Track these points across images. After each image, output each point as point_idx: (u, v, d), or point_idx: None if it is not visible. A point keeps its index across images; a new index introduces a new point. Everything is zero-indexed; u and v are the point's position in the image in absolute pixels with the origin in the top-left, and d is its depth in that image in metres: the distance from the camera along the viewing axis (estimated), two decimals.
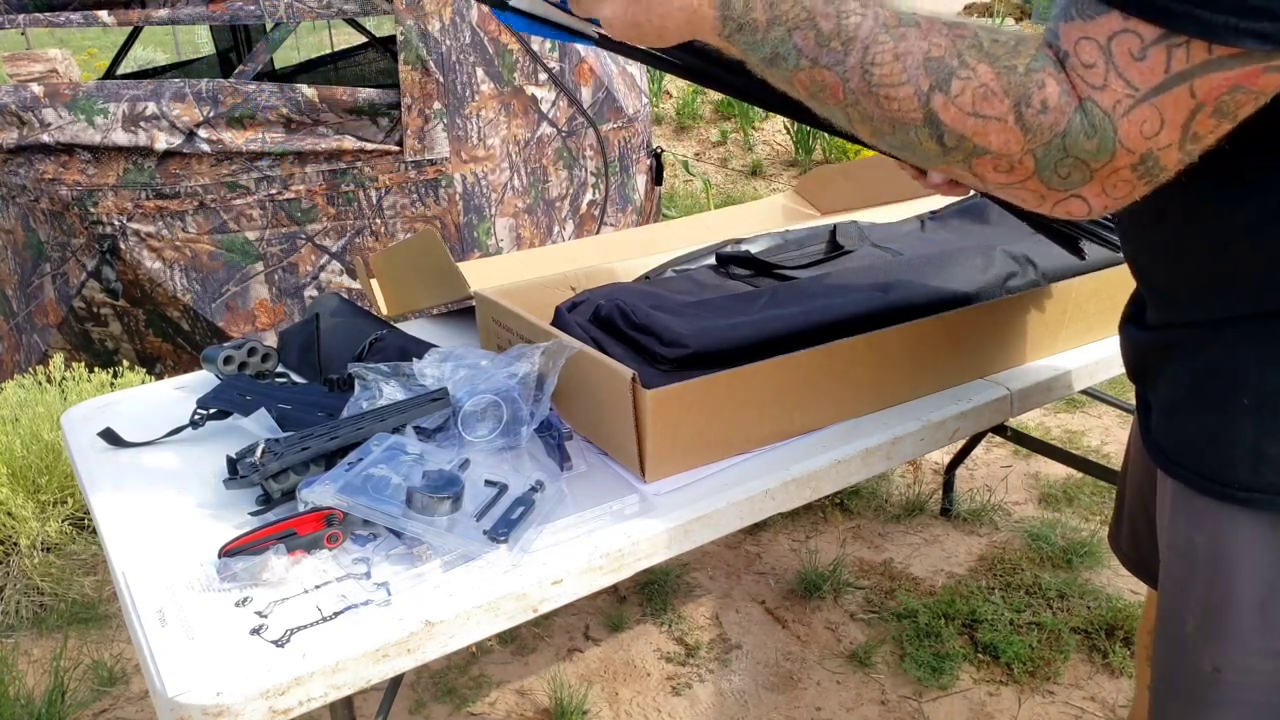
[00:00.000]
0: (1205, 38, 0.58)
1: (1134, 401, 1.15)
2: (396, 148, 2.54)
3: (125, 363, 2.61)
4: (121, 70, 3.50)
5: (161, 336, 2.69)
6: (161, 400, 1.34)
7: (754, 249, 1.49)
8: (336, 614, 0.86)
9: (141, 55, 10.00)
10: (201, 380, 1.38)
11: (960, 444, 2.32)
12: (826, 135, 5.55)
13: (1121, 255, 1.34)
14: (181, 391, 1.36)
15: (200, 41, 12.37)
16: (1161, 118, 0.60)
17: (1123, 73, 0.60)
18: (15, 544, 2.16)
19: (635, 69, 3.26)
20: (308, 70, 3.95)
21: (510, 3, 0.88)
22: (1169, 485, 0.84)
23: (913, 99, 0.66)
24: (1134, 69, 0.59)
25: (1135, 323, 0.90)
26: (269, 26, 2.82)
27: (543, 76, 2.76)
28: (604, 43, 0.90)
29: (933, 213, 1.67)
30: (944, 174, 0.73)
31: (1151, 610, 1.19)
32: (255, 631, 0.85)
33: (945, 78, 0.65)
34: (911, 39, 0.66)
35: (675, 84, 6.81)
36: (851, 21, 0.67)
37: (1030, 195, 0.67)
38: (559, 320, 1.24)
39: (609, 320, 1.20)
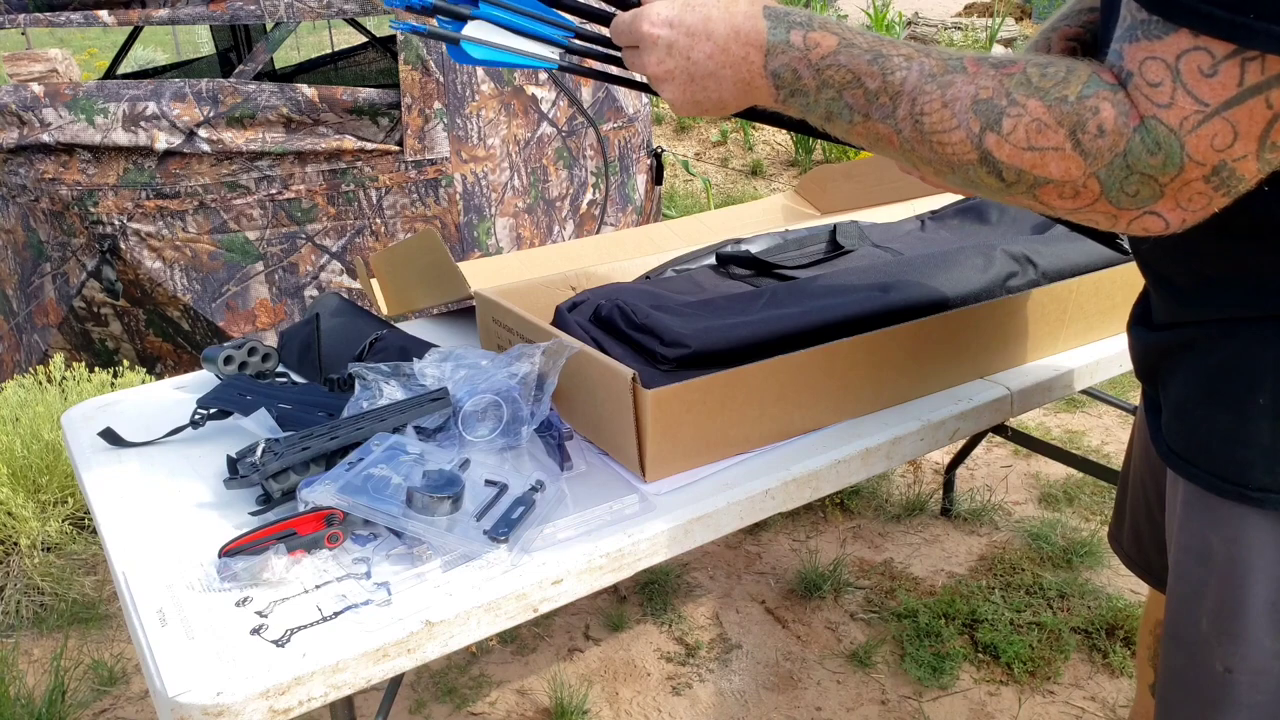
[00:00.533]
0: (1278, 51, 0.58)
1: (1134, 402, 1.16)
2: (397, 148, 2.54)
3: (125, 363, 2.61)
4: (121, 70, 3.50)
5: (161, 336, 2.69)
6: (161, 400, 1.34)
7: (754, 249, 1.49)
8: (336, 614, 0.86)
9: (141, 55, 10.00)
10: (201, 380, 1.38)
11: (960, 444, 2.32)
12: None
13: (1122, 255, 1.35)
14: (181, 391, 1.36)
15: (200, 41, 12.37)
16: (1235, 130, 0.61)
17: (1191, 89, 0.61)
18: (15, 544, 2.16)
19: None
20: (308, 70, 3.95)
21: (463, 34, 0.87)
22: (1181, 486, 0.83)
23: (965, 141, 0.69)
24: (1204, 85, 0.60)
25: (1144, 323, 0.89)
26: (269, 26, 2.82)
27: (543, 76, 2.76)
28: (567, 68, 0.90)
29: (933, 213, 1.67)
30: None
31: (1153, 610, 1.19)
32: (255, 631, 0.85)
33: (996, 118, 0.67)
34: (959, 85, 0.68)
35: None
36: (897, 76, 0.70)
37: (1103, 217, 0.68)
38: (559, 320, 1.24)
39: (609, 320, 1.20)
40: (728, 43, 0.76)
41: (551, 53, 0.89)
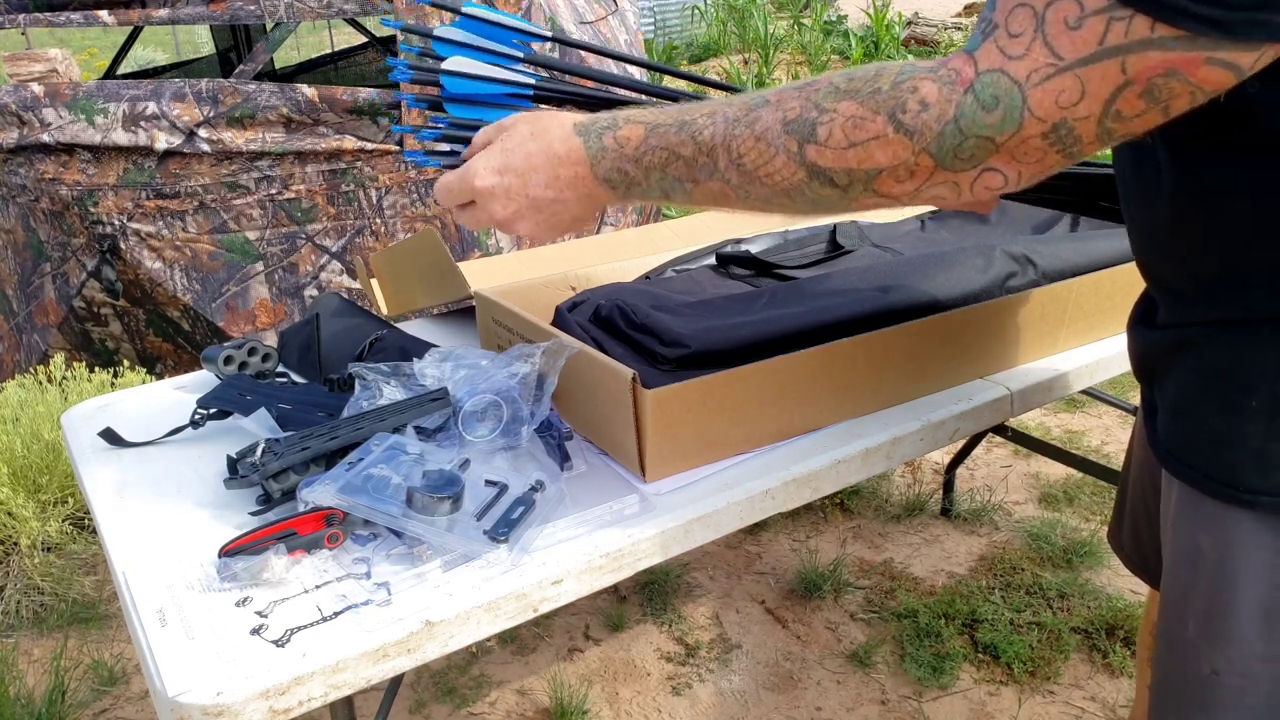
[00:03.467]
0: (1151, 14, 0.56)
1: (1134, 402, 1.16)
2: (397, 147, 2.54)
3: (125, 363, 2.61)
4: (121, 70, 3.50)
5: (161, 336, 2.69)
6: (161, 400, 1.34)
7: (754, 249, 1.49)
8: (336, 614, 0.86)
9: (141, 55, 10.01)
10: (201, 380, 1.38)
11: (960, 444, 2.32)
12: None
13: (1122, 256, 1.35)
14: (181, 391, 1.36)
15: (200, 41, 12.37)
16: (1083, 88, 0.59)
17: (1050, 41, 0.59)
18: (15, 544, 2.16)
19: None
20: (308, 70, 3.95)
21: (443, 68, 0.89)
22: (1175, 487, 0.83)
23: (789, 164, 0.69)
24: (1064, 38, 0.58)
25: (1145, 323, 0.89)
26: (269, 26, 2.82)
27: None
28: (539, 97, 0.92)
29: (933, 213, 1.67)
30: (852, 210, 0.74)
31: (1153, 610, 1.19)
32: (255, 631, 0.85)
33: (810, 130, 0.67)
34: (765, 117, 0.70)
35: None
36: (705, 135, 0.73)
37: (945, 189, 0.67)
38: (559, 320, 1.24)
39: (609, 320, 1.20)
40: (556, 168, 0.81)
41: (527, 79, 0.91)
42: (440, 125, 0.92)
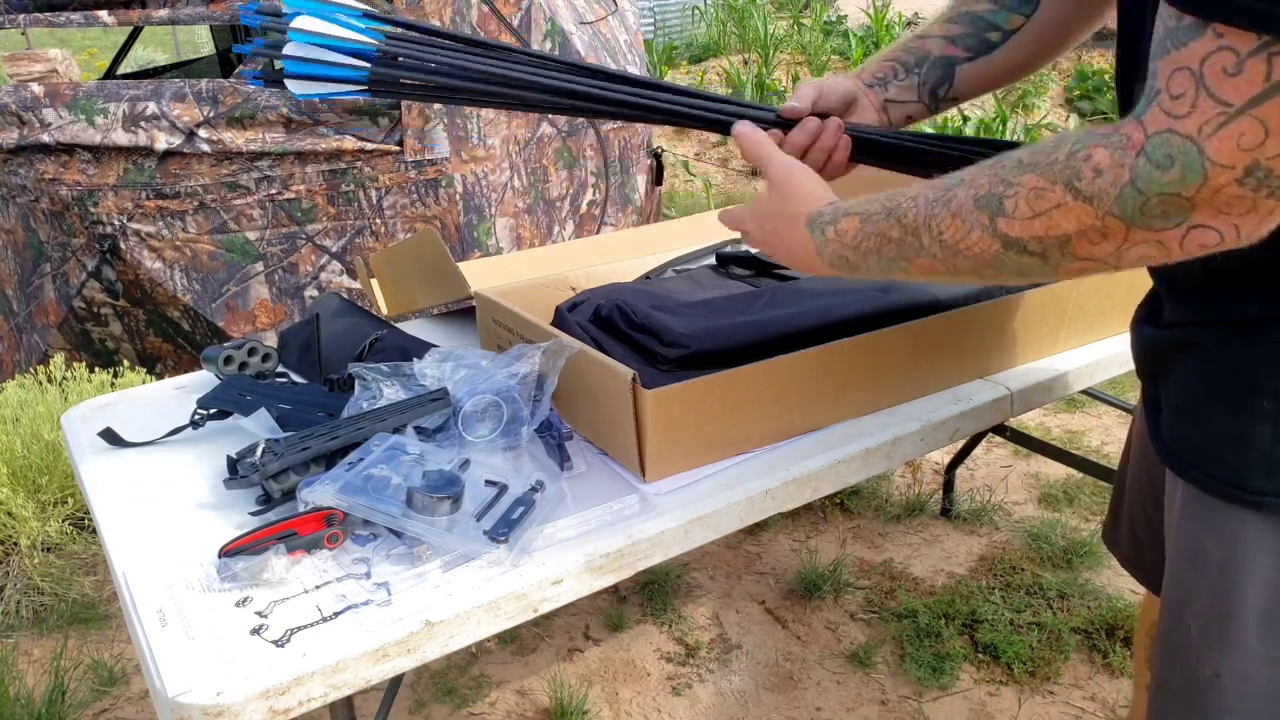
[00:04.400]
0: None
1: (1134, 402, 1.16)
2: (396, 148, 2.54)
3: (125, 363, 2.61)
4: (121, 70, 3.50)
5: (161, 336, 2.69)
6: (161, 400, 1.34)
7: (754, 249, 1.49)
8: (336, 614, 0.86)
9: (141, 55, 10.01)
10: (201, 380, 1.38)
11: (960, 444, 2.32)
12: None
13: None
14: (181, 391, 1.36)
15: (200, 41, 12.37)
16: (1265, 127, 0.58)
17: (1214, 92, 0.59)
18: (15, 544, 2.16)
19: (636, 69, 3.26)
20: None
21: (292, 25, 0.93)
22: (1180, 487, 0.83)
23: (985, 237, 0.74)
24: (1227, 85, 0.59)
25: (1150, 322, 0.89)
26: None
27: None
28: (375, 88, 0.94)
29: None
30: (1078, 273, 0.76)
31: (1149, 611, 1.19)
32: (255, 631, 0.85)
33: (998, 204, 0.72)
34: (959, 195, 0.75)
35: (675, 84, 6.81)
36: (909, 217, 0.79)
37: (1149, 248, 0.68)
38: (559, 320, 1.24)
39: (609, 320, 1.20)
40: (791, 250, 0.94)
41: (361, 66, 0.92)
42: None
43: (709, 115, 1.04)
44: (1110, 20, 0.97)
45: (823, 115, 1.07)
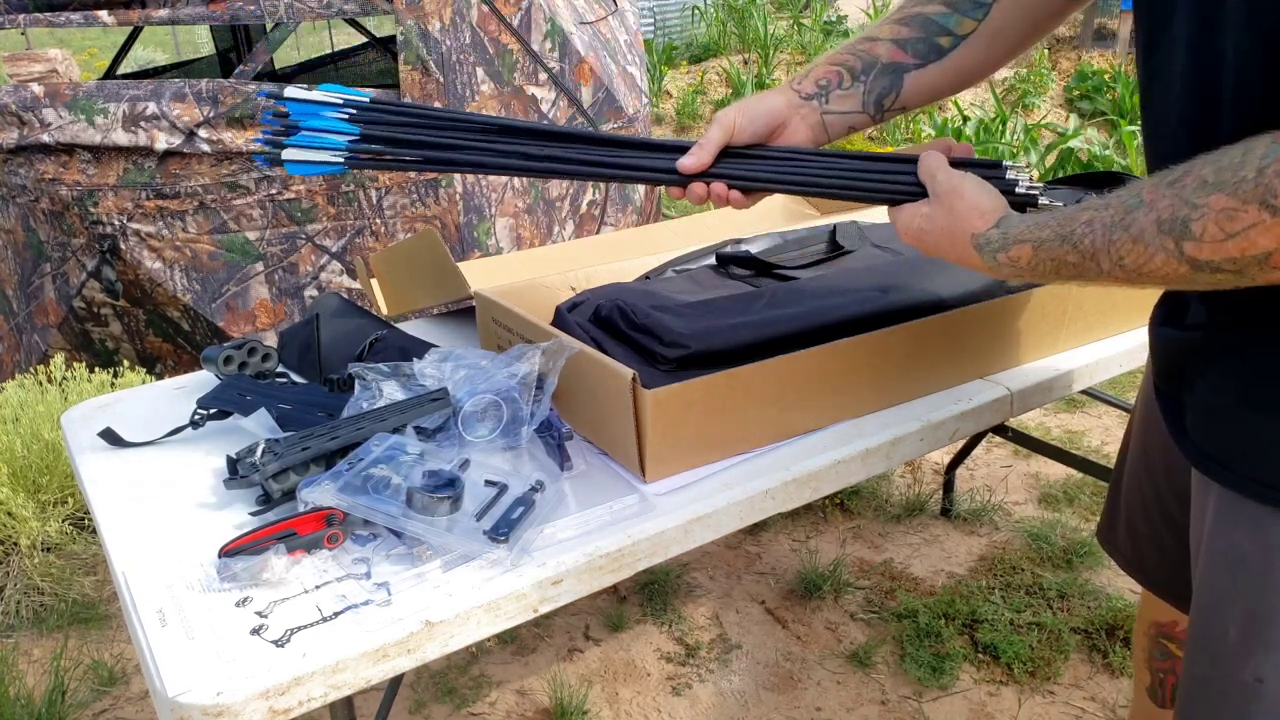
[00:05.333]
0: None
1: (1133, 402, 1.15)
2: None
3: (125, 363, 2.61)
4: (121, 70, 3.50)
5: (161, 336, 2.69)
6: (161, 400, 1.34)
7: (754, 249, 1.49)
8: (336, 614, 0.86)
9: (141, 55, 10.01)
10: (201, 380, 1.38)
11: (960, 444, 2.32)
12: None
13: None
14: (181, 391, 1.36)
15: (200, 41, 12.37)
16: None
17: None
18: (15, 544, 2.16)
19: (635, 69, 3.26)
20: (308, 70, 3.95)
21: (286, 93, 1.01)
22: (1213, 490, 0.82)
23: (1170, 261, 0.71)
24: None
25: (1171, 323, 0.88)
26: (269, 26, 2.82)
27: (543, 76, 2.76)
28: (352, 163, 1.03)
29: None
30: None
31: (1148, 610, 1.18)
32: (255, 631, 0.85)
33: (1184, 228, 0.69)
34: (1140, 219, 0.73)
35: (675, 84, 6.82)
36: (1086, 243, 0.77)
37: None
38: (559, 320, 1.24)
39: (609, 320, 1.20)
40: (959, 259, 0.93)
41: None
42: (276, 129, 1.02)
43: (635, 168, 1.05)
44: (1063, 27, 0.97)
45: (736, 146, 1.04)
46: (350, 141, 1.01)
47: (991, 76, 1.22)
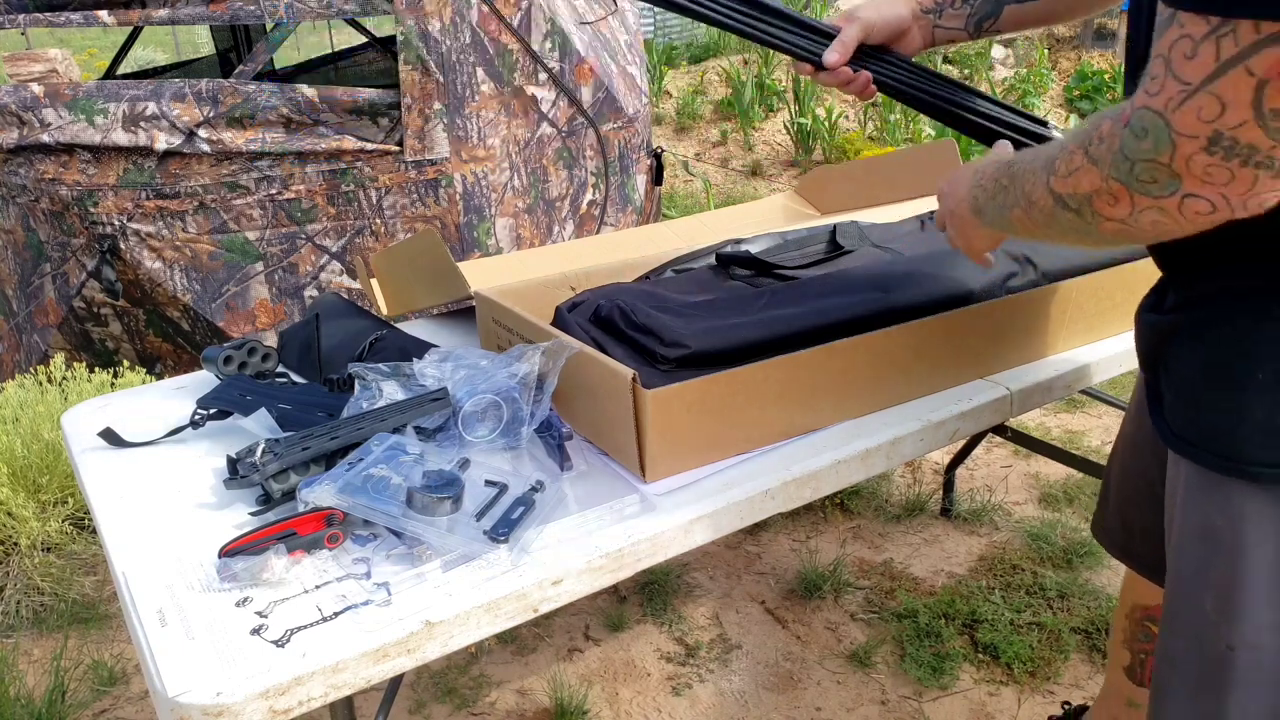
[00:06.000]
0: (1250, 17, 0.61)
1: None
2: (396, 148, 2.54)
3: (125, 363, 2.61)
4: (121, 70, 3.50)
5: (161, 336, 2.69)
6: (161, 400, 1.34)
7: (754, 249, 1.49)
8: (336, 614, 0.86)
9: (141, 55, 10.01)
10: (201, 380, 1.38)
11: (960, 444, 2.32)
12: (827, 135, 5.55)
13: (1122, 255, 1.35)
14: (181, 391, 1.36)
15: (200, 41, 12.37)
16: (1221, 101, 0.64)
17: (1176, 73, 0.66)
18: (15, 544, 2.16)
19: (635, 69, 3.26)
20: (308, 70, 3.95)
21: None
22: (1184, 469, 0.86)
23: (1044, 193, 0.82)
24: (1186, 67, 0.65)
25: (1153, 309, 0.92)
26: (269, 26, 2.82)
27: (543, 76, 2.76)
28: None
29: (932, 213, 1.67)
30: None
31: (1130, 593, 1.22)
32: (255, 631, 0.85)
33: (1052, 164, 0.80)
34: (1043, 153, 0.84)
35: (675, 84, 6.81)
36: (1017, 168, 0.89)
37: (1155, 214, 0.73)
38: (559, 320, 1.24)
39: (609, 320, 1.20)
40: (955, 204, 1.04)
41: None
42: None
43: (780, 40, 1.24)
44: (1063, 27, 1.07)
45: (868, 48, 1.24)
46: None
47: (1059, 28, 1.47)
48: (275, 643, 0.83)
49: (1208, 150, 0.67)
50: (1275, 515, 0.79)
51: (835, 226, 1.55)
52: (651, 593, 2.12)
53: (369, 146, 2.52)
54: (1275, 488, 0.79)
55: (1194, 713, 0.88)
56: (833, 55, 1.21)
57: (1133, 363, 1.40)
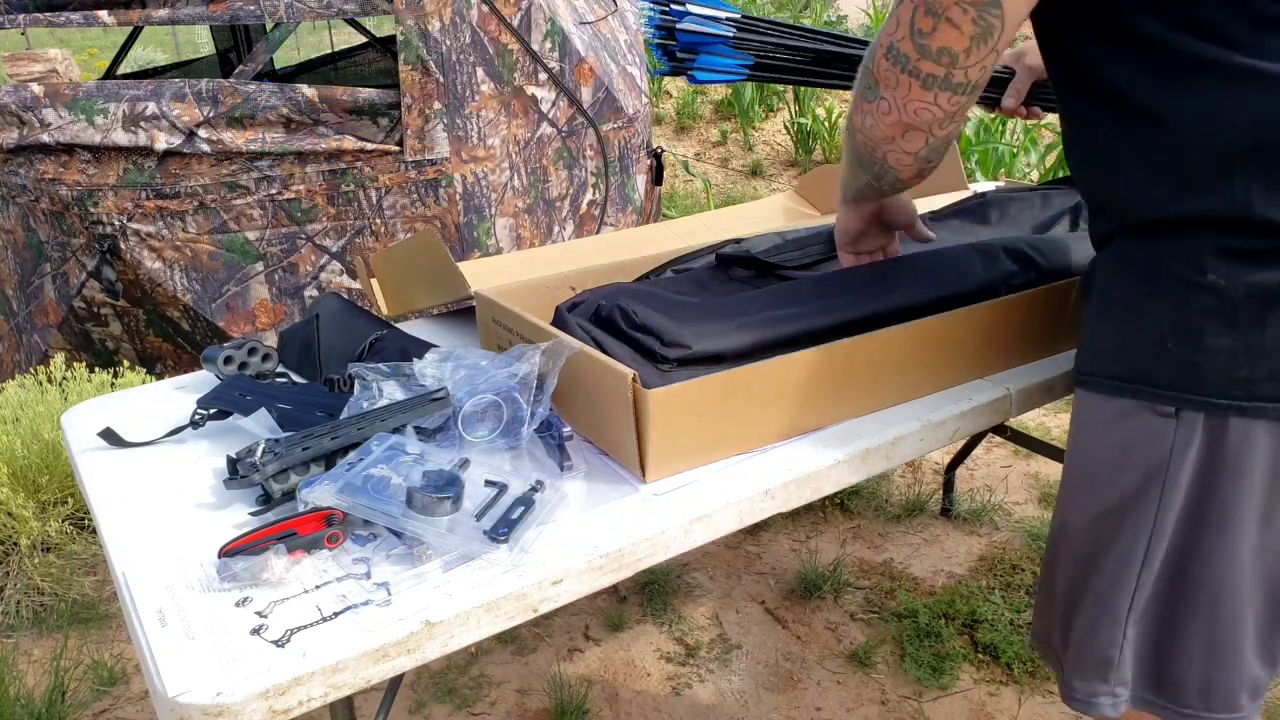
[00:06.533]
0: None
1: None
2: (396, 148, 2.54)
3: (125, 363, 2.61)
4: (121, 70, 3.50)
5: (161, 336, 2.69)
6: (161, 400, 1.34)
7: (754, 249, 1.49)
8: (336, 614, 0.86)
9: (141, 55, 10.01)
10: (201, 380, 1.38)
11: (960, 444, 2.32)
12: (827, 135, 5.55)
13: None
14: (181, 391, 1.36)
15: (200, 41, 12.37)
16: (897, 19, 0.90)
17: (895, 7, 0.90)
18: (15, 544, 2.16)
19: (635, 69, 3.26)
20: (308, 70, 3.95)
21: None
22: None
23: (855, 106, 1.01)
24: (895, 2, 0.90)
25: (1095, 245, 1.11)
26: (269, 26, 2.82)
27: (543, 76, 2.76)
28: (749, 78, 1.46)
29: (932, 213, 1.67)
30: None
31: None
32: (255, 631, 0.85)
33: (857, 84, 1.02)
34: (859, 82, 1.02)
35: (675, 84, 6.81)
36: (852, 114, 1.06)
37: (871, 119, 0.99)
38: (559, 320, 1.24)
39: (609, 320, 1.20)
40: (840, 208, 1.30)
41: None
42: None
43: None
44: None
45: None
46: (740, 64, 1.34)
47: None
48: (275, 643, 0.83)
49: (886, 56, 0.91)
50: (1089, 415, 0.97)
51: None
52: (651, 593, 2.12)
53: (369, 146, 2.52)
54: (1091, 393, 0.96)
55: (1041, 579, 1.11)
56: (1009, 102, 1.44)
57: None
